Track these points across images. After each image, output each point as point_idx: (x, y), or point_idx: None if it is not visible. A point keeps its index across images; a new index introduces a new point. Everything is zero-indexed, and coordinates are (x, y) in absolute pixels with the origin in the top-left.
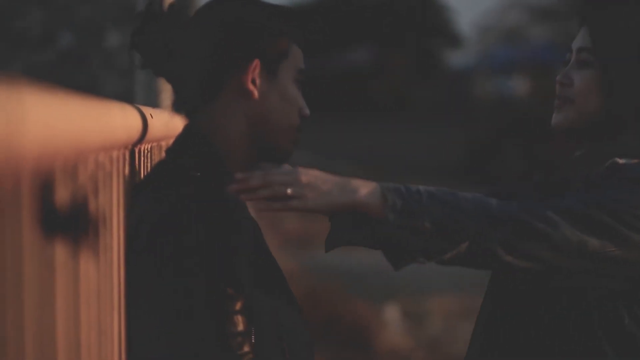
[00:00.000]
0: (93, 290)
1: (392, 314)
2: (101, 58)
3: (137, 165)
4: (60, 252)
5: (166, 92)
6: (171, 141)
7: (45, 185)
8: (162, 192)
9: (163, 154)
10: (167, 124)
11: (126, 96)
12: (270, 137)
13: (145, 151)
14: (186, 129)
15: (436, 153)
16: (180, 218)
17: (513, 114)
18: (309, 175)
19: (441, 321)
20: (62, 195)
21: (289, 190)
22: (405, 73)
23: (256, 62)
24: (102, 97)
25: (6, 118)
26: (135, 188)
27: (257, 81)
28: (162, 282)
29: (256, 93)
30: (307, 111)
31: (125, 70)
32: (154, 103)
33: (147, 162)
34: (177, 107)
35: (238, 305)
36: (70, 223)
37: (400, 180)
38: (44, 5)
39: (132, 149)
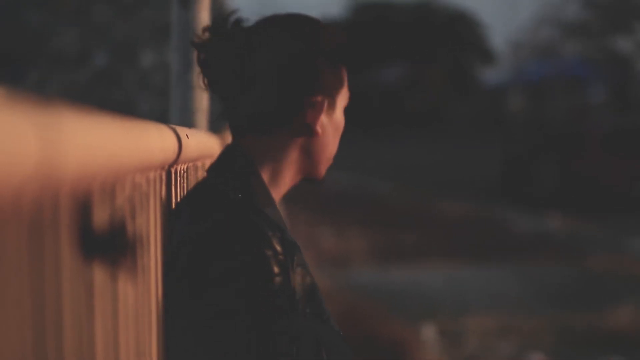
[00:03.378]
0: (131, 312)
1: (429, 333)
2: (136, 77)
3: (173, 186)
4: (99, 274)
5: (201, 111)
6: (207, 161)
7: (83, 207)
8: (203, 214)
9: (199, 174)
10: (202, 144)
11: (161, 115)
12: (317, 167)
13: (182, 171)
14: (232, 151)
15: (471, 169)
16: (220, 240)
17: (548, 130)
18: None
19: (478, 340)
20: (100, 217)
21: None
22: (439, 89)
23: (325, 100)
24: (138, 118)
25: (45, 140)
26: (175, 209)
27: (323, 119)
28: (203, 304)
29: (320, 131)
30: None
31: (160, 89)
32: (189, 123)
33: (183, 183)
34: (231, 127)
35: (281, 326)
36: (109, 245)
37: (436, 196)
38: (80, 25)
39: (169, 169)
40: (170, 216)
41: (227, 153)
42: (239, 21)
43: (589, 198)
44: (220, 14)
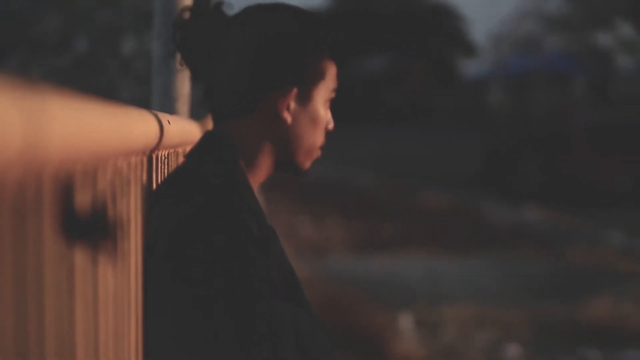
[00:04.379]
0: (111, 296)
1: (407, 323)
2: (117, 64)
3: (154, 171)
4: (80, 257)
5: (182, 98)
6: (188, 148)
7: (65, 190)
8: (182, 198)
9: (180, 160)
10: (183, 130)
11: (142, 102)
12: (295, 156)
13: (163, 157)
14: (211, 136)
15: (453, 161)
16: (199, 224)
17: (530, 124)
18: None
19: (456, 330)
20: (82, 200)
21: None
22: (421, 82)
23: (294, 88)
24: (121, 103)
25: (28, 122)
26: (155, 193)
27: (292, 106)
28: (181, 287)
29: (290, 119)
30: (332, 125)
31: (142, 76)
32: (171, 109)
33: (164, 168)
34: (210, 111)
35: (260, 309)
36: (90, 228)
37: (417, 188)
38: (62, 11)
39: (150, 155)
40: (150, 200)
41: (207, 138)
42: (220, 3)
43: (569, 192)
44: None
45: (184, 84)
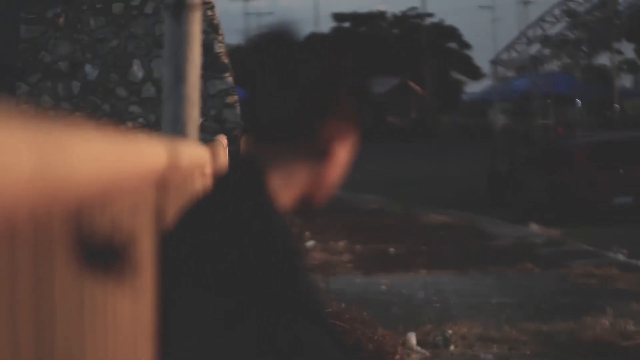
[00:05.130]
0: (126, 321)
1: (412, 341)
2: (126, 89)
3: (165, 196)
4: (93, 284)
5: (192, 123)
6: (198, 171)
7: (77, 219)
8: (215, 218)
9: (190, 184)
10: (193, 155)
11: (152, 127)
12: (319, 193)
13: (174, 182)
14: (247, 159)
15: (457, 180)
16: (228, 245)
17: (533, 144)
18: None
19: (461, 348)
20: (93, 228)
21: None
22: (426, 104)
23: (346, 125)
24: (131, 130)
25: (40, 153)
26: (188, 213)
27: (338, 142)
28: (207, 304)
29: (334, 154)
30: None
31: (151, 101)
32: (180, 134)
33: (174, 193)
34: (250, 132)
35: (280, 325)
36: (103, 256)
37: (421, 208)
38: (72, 38)
39: (161, 180)
40: (178, 224)
41: (240, 160)
42: (286, 32)
43: (571, 210)
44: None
45: (193, 108)
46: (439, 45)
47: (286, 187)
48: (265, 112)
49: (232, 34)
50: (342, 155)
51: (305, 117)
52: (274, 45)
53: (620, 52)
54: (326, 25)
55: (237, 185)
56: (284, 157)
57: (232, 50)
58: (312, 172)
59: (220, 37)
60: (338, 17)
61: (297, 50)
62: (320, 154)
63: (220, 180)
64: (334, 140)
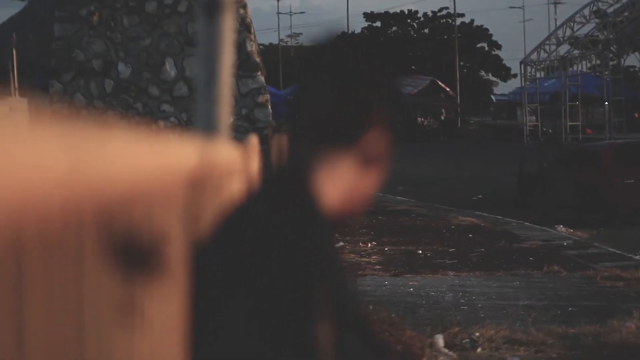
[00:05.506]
0: (157, 320)
1: (439, 343)
2: (159, 88)
3: (198, 195)
4: (124, 281)
5: (224, 123)
6: (229, 171)
7: (111, 218)
8: (256, 228)
9: (224, 183)
10: (226, 155)
11: (183, 125)
12: (362, 199)
13: (206, 181)
14: (291, 158)
15: (486, 182)
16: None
17: (562, 145)
18: None
19: (488, 351)
20: (124, 228)
21: None
22: (456, 104)
23: (384, 129)
24: (164, 128)
25: (75, 151)
26: (226, 219)
27: (378, 147)
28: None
29: (375, 161)
30: None
31: (183, 100)
32: (213, 133)
33: (208, 192)
34: (294, 132)
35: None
36: (135, 255)
37: (450, 209)
38: (106, 36)
39: (193, 179)
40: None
41: (286, 163)
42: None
43: (600, 212)
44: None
45: (225, 108)
46: (469, 46)
47: (329, 190)
48: (314, 112)
49: (264, 33)
50: (381, 158)
51: (350, 120)
52: (328, 50)
53: None
54: (357, 24)
55: (283, 191)
56: (327, 159)
57: (264, 50)
58: (353, 175)
59: (252, 36)
60: (369, 16)
61: (348, 56)
62: (362, 157)
63: (265, 183)
64: (375, 144)
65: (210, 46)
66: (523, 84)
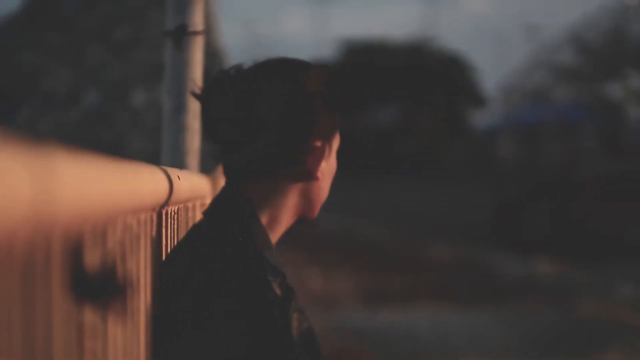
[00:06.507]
0: (120, 353)
1: None
2: (127, 117)
3: (164, 228)
4: (90, 316)
5: (193, 153)
6: (198, 203)
7: (75, 250)
8: (205, 256)
9: (190, 216)
10: (193, 185)
11: (152, 155)
12: (315, 208)
13: (173, 213)
14: (231, 194)
15: (463, 213)
16: (225, 285)
17: (540, 175)
18: None
19: None
20: (91, 259)
21: None
22: (432, 132)
23: (325, 145)
24: (130, 159)
25: (38, 182)
26: (172, 251)
27: (322, 165)
28: (206, 347)
29: (320, 176)
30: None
31: (151, 128)
32: (181, 164)
33: (174, 224)
34: (228, 172)
35: None
36: (100, 286)
37: (426, 240)
38: (72, 64)
39: (160, 210)
40: (168, 256)
41: (225, 196)
42: (237, 72)
43: (580, 244)
44: (220, 68)
45: (194, 138)
46: (444, 71)
47: (278, 217)
48: (243, 155)
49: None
50: (329, 169)
51: (285, 149)
52: (232, 85)
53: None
54: (329, 51)
55: (224, 234)
56: (270, 190)
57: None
58: (301, 193)
59: (223, 63)
60: (344, 43)
61: (256, 84)
62: (306, 174)
63: (209, 215)
64: (318, 158)
65: (178, 75)
66: (501, 111)
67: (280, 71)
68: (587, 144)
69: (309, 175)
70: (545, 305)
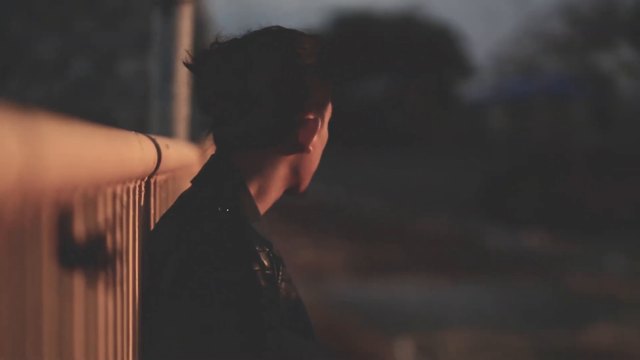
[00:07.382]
0: (110, 321)
1: (405, 348)
2: (115, 86)
3: (152, 197)
4: (79, 284)
5: (181, 121)
6: (186, 172)
7: (63, 218)
8: (192, 224)
9: (178, 185)
10: (182, 154)
11: (140, 124)
12: (305, 180)
13: (161, 182)
14: (220, 163)
15: (452, 185)
16: (211, 253)
17: (530, 148)
18: None
19: (455, 356)
20: (80, 227)
21: None
22: (421, 104)
23: (318, 118)
24: (119, 128)
25: (27, 150)
26: (161, 218)
27: (315, 137)
28: (190, 315)
29: (311, 149)
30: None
31: (140, 98)
32: (169, 132)
33: (162, 193)
34: (219, 142)
35: (269, 341)
36: (88, 255)
37: (416, 212)
38: (60, 33)
39: (148, 180)
40: (156, 224)
41: (214, 165)
42: (230, 44)
43: (569, 217)
44: (212, 40)
45: (182, 106)
46: (433, 42)
47: (267, 188)
48: (236, 127)
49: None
50: (320, 141)
51: (278, 122)
52: (225, 57)
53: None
54: (316, 19)
55: (212, 203)
56: (260, 161)
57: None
58: (292, 165)
59: (211, 32)
60: (331, 12)
61: (249, 57)
62: (298, 147)
63: (198, 183)
64: (311, 131)
65: (167, 44)
66: (491, 82)
67: (273, 44)
68: (578, 116)
69: (301, 148)
70: (535, 278)
